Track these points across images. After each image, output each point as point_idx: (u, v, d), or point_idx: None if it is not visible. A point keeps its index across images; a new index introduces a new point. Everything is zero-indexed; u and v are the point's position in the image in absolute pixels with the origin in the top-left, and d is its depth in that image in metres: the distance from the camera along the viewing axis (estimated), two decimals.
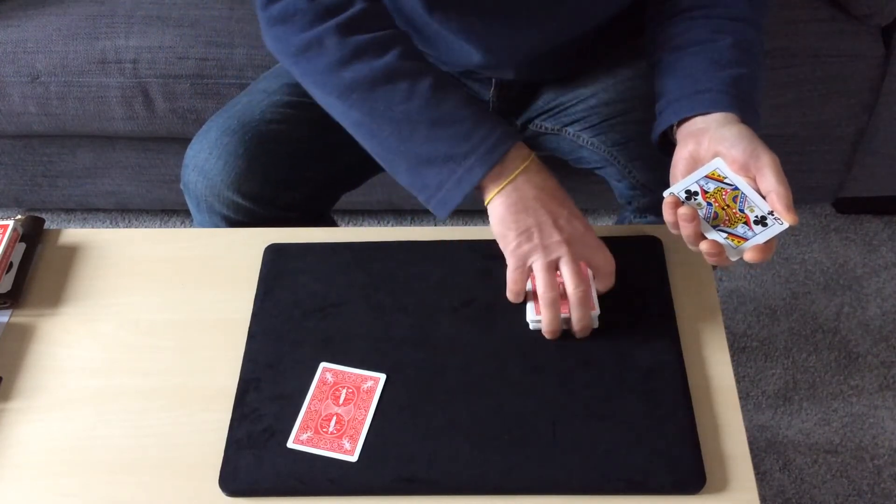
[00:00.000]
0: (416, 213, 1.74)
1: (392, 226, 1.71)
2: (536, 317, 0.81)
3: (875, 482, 1.35)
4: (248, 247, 0.93)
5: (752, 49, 0.87)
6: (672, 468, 0.73)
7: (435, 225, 1.69)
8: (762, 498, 1.33)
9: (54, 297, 0.90)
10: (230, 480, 0.75)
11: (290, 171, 1.03)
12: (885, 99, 1.42)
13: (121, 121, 1.45)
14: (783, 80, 1.38)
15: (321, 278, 0.89)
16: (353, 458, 0.75)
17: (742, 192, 0.77)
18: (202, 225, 1.06)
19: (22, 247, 0.93)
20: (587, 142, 1.11)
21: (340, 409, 0.78)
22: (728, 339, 1.27)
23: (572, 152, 1.18)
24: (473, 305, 0.85)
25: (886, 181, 1.59)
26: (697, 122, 0.80)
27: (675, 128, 0.85)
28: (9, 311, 0.89)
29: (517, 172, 0.78)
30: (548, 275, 0.79)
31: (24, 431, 0.80)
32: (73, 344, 0.86)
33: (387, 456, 0.75)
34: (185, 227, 1.75)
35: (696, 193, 0.78)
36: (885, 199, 1.67)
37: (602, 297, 0.82)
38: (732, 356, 1.37)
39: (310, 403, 0.79)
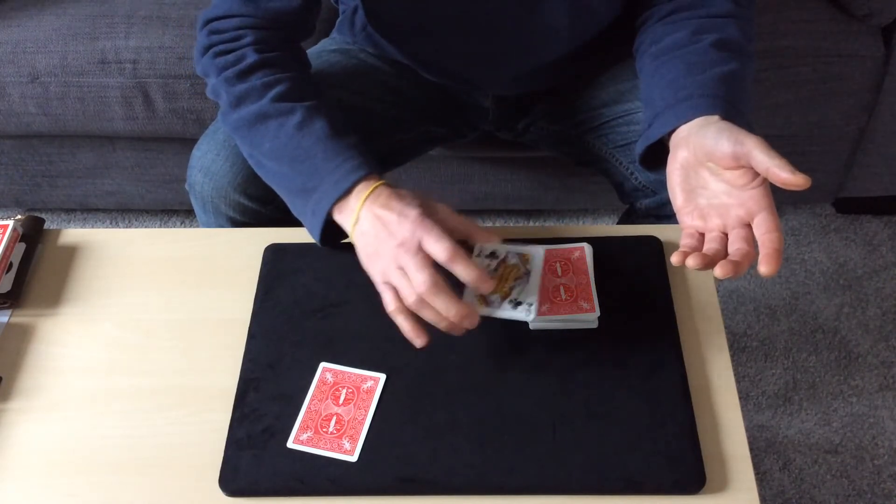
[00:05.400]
0: None
1: None
2: (537, 317, 0.82)
3: (875, 482, 1.35)
4: (248, 247, 0.93)
5: (734, 45, 0.88)
6: (672, 468, 0.73)
7: None
8: (762, 498, 1.33)
9: (54, 297, 0.90)
10: (230, 480, 0.75)
11: None
12: (885, 99, 1.42)
13: (121, 121, 1.45)
14: (783, 80, 1.38)
15: (321, 278, 0.89)
16: (353, 458, 0.75)
17: (529, 279, 0.82)
18: (207, 226, 1.06)
19: (22, 247, 0.93)
20: (589, 143, 1.11)
21: (340, 409, 0.78)
22: (728, 339, 1.26)
23: (574, 154, 1.18)
24: None
25: (886, 181, 1.59)
26: (682, 131, 0.81)
27: (668, 136, 0.85)
28: (9, 311, 0.89)
29: (361, 204, 0.81)
30: (399, 284, 0.78)
31: (24, 431, 0.80)
32: (73, 344, 0.86)
33: (387, 456, 0.75)
34: (185, 227, 1.75)
35: (495, 257, 0.83)
36: (885, 199, 1.67)
37: (602, 298, 0.83)
38: (732, 356, 1.37)
39: (310, 403, 0.79)
